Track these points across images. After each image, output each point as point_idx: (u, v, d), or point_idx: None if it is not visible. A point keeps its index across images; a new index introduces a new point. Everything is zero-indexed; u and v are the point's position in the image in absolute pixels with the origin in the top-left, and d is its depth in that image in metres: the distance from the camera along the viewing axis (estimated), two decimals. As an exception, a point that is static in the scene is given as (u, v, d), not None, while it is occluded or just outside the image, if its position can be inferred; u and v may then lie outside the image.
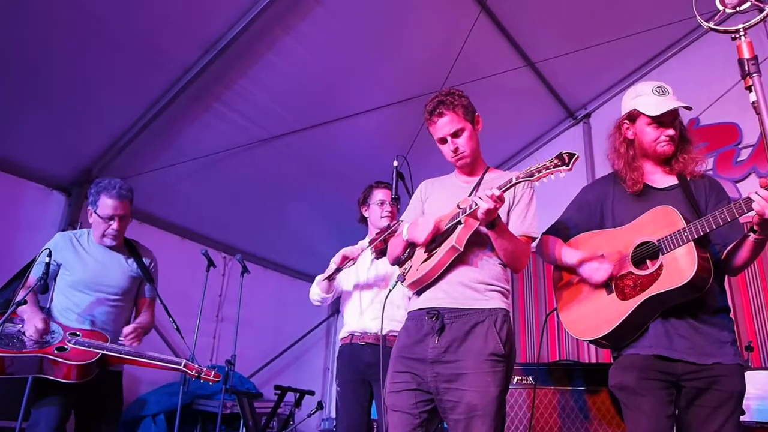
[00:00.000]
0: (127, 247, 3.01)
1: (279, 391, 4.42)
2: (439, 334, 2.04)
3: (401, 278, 2.25)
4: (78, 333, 2.70)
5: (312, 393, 4.65)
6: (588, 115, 5.77)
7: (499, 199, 1.91)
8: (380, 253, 2.60)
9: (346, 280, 3.17)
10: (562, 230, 2.34)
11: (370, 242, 2.99)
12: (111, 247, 2.93)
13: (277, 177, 5.03)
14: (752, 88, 1.27)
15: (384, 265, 3.03)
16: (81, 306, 2.79)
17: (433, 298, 2.12)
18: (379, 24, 4.22)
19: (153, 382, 4.64)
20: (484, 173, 2.32)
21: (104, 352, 2.66)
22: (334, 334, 6.35)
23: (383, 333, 2.42)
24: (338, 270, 2.97)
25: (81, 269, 2.83)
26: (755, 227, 1.88)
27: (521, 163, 5.90)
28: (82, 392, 2.67)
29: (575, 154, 1.82)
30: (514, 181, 1.93)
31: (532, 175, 1.88)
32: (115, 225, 2.86)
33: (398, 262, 2.36)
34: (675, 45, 5.23)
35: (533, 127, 5.87)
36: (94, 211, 2.85)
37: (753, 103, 1.26)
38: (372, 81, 4.60)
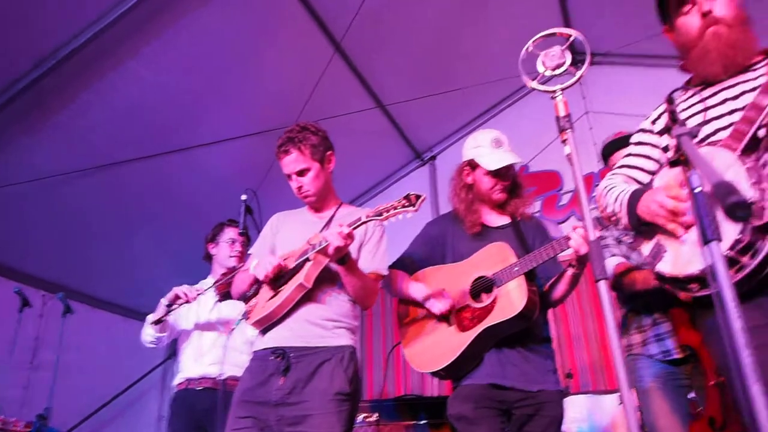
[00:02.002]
0: None
1: (104, 446, 3.97)
2: (284, 374, 1.98)
3: (245, 316, 2.16)
4: None
5: (144, 445, 4.24)
6: (434, 157, 6.11)
7: (349, 237, 1.93)
8: (224, 296, 2.49)
9: (185, 321, 2.96)
10: (408, 264, 2.42)
11: (215, 283, 2.84)
12: None
13: (114, 207, 4.62)
14: (566, 141, 1.42)
15: (227, 308, 2.90)
16: None
17: (278, 337, 2.06)
18: (234, 55, 4.13)
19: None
20: (337, 209, 2.33)
21: None
22: (170, 379, 5.86)
23: (223, 378, 2.30)
24: (168, 310, 2.76)
25: None
26: (573, 263, 2.10)
27: (372, 201, 6.06)
28: None
29: (422, 196, 1.91)
30: (363, 219, 1.97)
31: (380, 215, 1.93)
32: None
33: (244, 298, 2.27)
34: (510, 98, 5.76)
35: (383, 166, 6.08)
36: None
37: (567, 155, 1.41)
38: (226, 111, 4.46)
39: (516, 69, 1.55)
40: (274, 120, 4.14)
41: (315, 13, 4.13)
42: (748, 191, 1.36)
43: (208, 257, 3.14)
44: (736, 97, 1.57)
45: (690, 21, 1.64)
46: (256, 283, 2.23)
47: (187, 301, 2.73)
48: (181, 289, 2.76)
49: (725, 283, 1.03)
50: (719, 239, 1.06)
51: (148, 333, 2.88)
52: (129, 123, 4.15)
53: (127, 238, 4.89)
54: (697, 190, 1.09)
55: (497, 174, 2.32)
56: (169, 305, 2.75)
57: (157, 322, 2.78)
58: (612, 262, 2.43)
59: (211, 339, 2.88)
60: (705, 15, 1.60)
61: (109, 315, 5.40)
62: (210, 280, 3.00)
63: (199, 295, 2.78)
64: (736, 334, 1.00)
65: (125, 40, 3.67)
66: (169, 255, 5.00)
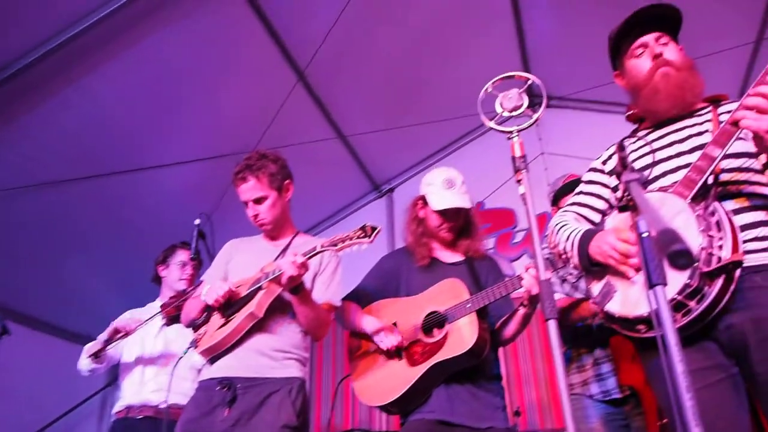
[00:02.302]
0: None
1: (32, 479, 3.72)
2: (229, 405, 1.92)
3: (194, 344, 2.10)
4: None
5: (75, 478, 3.99)
6: (392, 190, 6.13)
7: (303, 266, 1.91)
8: (172, 320, 2.41)
9: (128, 346, 2.85)
10: (362, 296, 2.41)
11: (162, 306, 2.76)
12: None
13: (60, 225, 4.42)
14: (521, 181, 1.46)
15: (174, 333, 2.81)
16: None
17: (225, 367, 2.01)
18: (196, 78, 4.08)
19: None
20: (293, 238, 2.32)
21: None
22: (110, 407, 5.56)
23: (166, 405, 2.21)
24: (107, 344, 2.66)
25: None
26: (524, 302, 2.13)
27: (328, 230, 6.01)
28: None
29: (377, 228, 1.92)
30: (318, 249, 1.96)
31: (336, 245, 1.93)
32: None
33: (193, 325, 2.20)
34: (469, 134, 5.86)
35: (341, 196, 6.06)
36: None
37: (522, 194, 1.44)
38: (184, 133, 4.39)
39: (476, 107, 1.59)
40: (232, 145, 4.10)
41: (280, 41, 4.14)
42: (697, 238, 1.41)
43: (158, 279, 3.05)
44: (683, 140, 1.66)
45: (641, 63, 1.73)
46: (207, 310, 2.17)
47: (127, 334, 2.64)
48: (121, 323, 2.66)
49: (669, 326, 1.06)
50: (664, 283, 1.09)
51: (84, 363, 2.77)
52: (81, 141, 4.03)
53: (74, 257, 4.70)
54: (644, 235, 1.12)
55: (444, 214, 2.35)
56: (108, 340, 2.65)
57: (95, 355, 2.67)
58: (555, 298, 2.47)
59: (155, 366, 2.78)
60: (656, 57, 1.69)
61: (50, 337, 5.12)
62: (158, 303, 2.90)
63: (138, 327, 2.68)
64: (678, 377, 1.03)
65: (81, 58, 3.58)
66: (117, 277, 4.83)
